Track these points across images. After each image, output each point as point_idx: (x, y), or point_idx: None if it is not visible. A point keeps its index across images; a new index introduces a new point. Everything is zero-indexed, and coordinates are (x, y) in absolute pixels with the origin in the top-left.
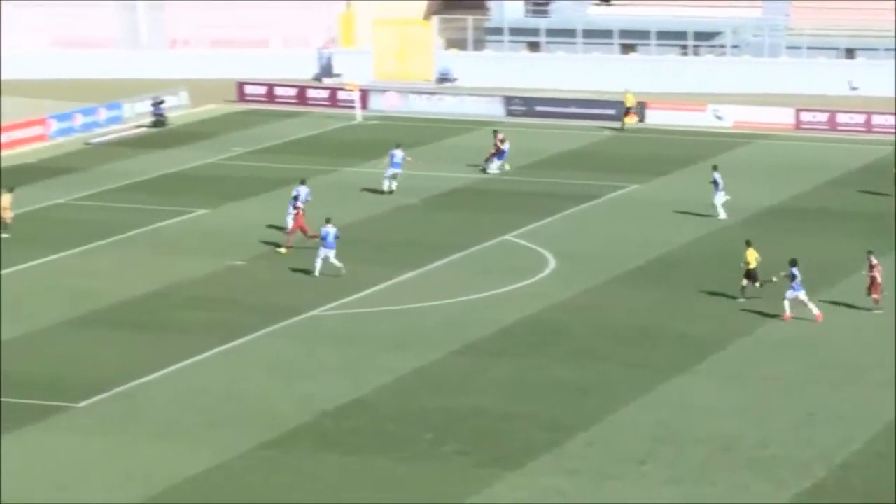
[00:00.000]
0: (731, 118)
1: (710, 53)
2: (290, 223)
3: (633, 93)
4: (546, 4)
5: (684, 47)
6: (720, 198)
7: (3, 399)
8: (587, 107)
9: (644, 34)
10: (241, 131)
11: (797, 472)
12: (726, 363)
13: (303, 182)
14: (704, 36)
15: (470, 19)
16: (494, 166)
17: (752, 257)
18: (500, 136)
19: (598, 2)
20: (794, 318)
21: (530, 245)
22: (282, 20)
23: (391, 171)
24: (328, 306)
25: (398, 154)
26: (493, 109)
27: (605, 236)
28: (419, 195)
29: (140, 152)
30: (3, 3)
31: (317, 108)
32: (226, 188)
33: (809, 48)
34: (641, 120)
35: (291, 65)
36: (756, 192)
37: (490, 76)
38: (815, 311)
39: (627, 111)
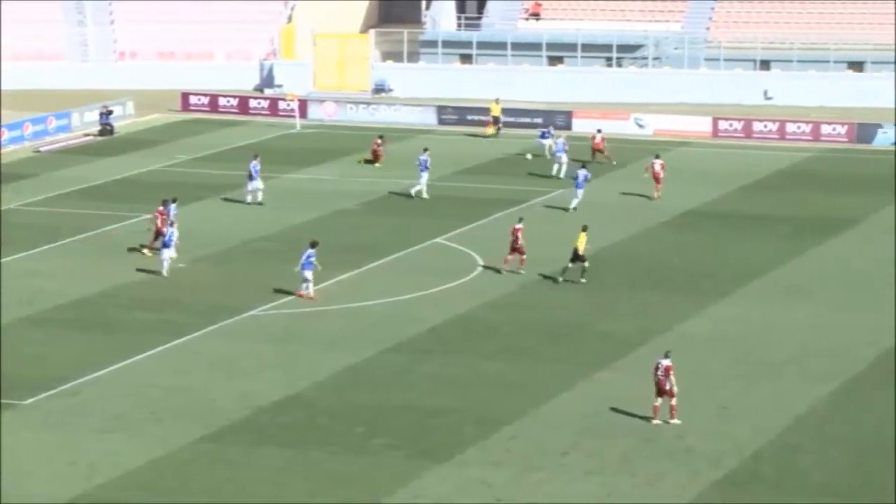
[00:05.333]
0: (652, 126)
1: (632, 65)
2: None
3: (497, 102)
4: (478, 19)
5: (608, 59)
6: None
7: None
8: (516, 115)
9: (571, 47)
10: (184, 139)
11: (711, 462)
12: (647, 359)
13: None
14: (628, 48)
15: (405, 33)
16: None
17: (582, 242)
18: (379, 141)
19: (528, 16)
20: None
21: (460, 247)
22: (226, 34)
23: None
24: (267, 306)
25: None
26: (426, 118)
27: (532, 239)
28: (356, 200)
29: (88, 160)
30: None
31: (258, 118)
32: (170, 194)
33: (727, 60)
34: (497, 133)
35: (235, 76)
36: (676, 196)
37: (424, 87)
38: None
39: (496, 120)
